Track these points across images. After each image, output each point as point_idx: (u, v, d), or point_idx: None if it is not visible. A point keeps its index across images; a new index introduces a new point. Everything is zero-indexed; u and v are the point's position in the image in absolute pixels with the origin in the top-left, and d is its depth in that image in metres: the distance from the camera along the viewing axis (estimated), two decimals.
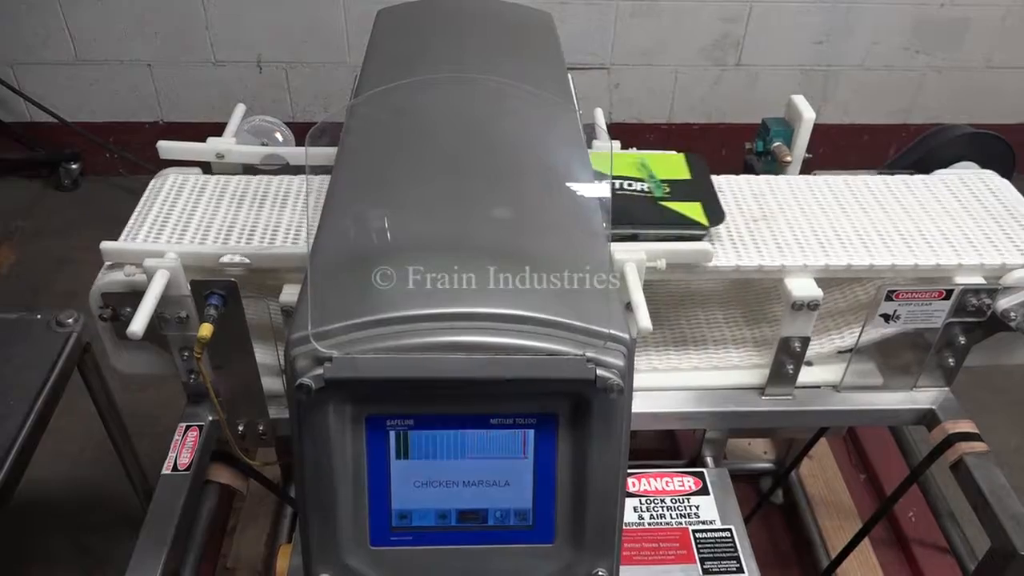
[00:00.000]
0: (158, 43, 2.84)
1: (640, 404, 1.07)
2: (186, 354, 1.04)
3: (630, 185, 1.12)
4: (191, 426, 1.08)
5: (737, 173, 1.26)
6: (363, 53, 1.18)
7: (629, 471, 0.90)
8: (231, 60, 2.89)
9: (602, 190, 0.92)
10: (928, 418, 1.16)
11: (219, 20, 2.80)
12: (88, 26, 2.80)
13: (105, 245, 1.01)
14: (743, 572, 1.04)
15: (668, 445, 1.76)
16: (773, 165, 1.37)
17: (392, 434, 0.73)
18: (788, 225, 1.13)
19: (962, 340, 1.11)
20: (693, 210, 1.08)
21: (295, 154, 1.24)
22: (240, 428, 1.09)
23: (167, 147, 1.23)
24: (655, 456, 1.72)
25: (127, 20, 2.79)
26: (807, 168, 1.37)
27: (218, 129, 1.27)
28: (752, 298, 1.28)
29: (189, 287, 0.96)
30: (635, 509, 1.10)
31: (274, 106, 2.91)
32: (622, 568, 0.81)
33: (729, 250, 1.08)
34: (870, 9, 2.85)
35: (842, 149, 3.05)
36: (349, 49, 2.85)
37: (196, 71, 2.90)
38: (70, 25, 2.80)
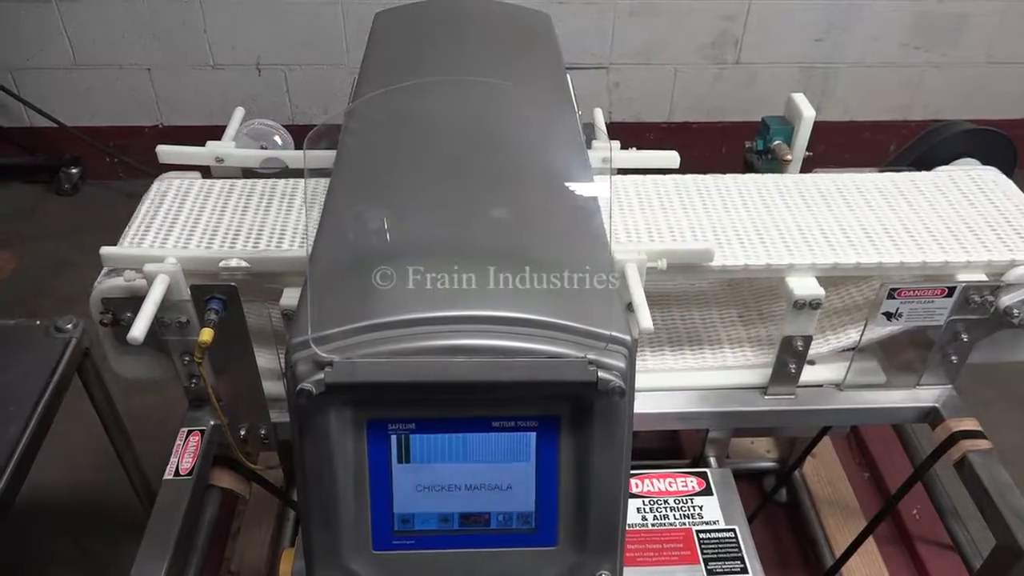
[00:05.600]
0: (156, 47, 2.84)
1: (642, 404, 1.07)
2: (187, 359, 1.04)
3: None
4: (193, 431, 1.08)
5: (738, 172, 1.25)
6: (362, 55, 1.18)
7: (632, 472, 0.90)
8: (230, 63, 2.88)
9: (601, 190, 0.92)
10: (932, 416, 1.16)
11: (217, 23, 2.80)
12: (86, 31, 2.80)
13: (105, 251, 1.01)
14: (747, 572, 1.04)
15: (671, 445, 1.76)
16: (774, 164, 1.36)
17: (393, 438, 0.72)
18: (790, 224, 1.13)
19: (965, 337, 1.11)
20: None
21: (294, 157, 1.24)
22: (242, 432, 1.09)
23: (166, 151, 1.23)
24: (658, 456, 1.71)
25: (125, 24, 2.79)
26: (807, 166, 1.37)
27: (217, 132, 1.27)
28: (753, 297, 1.28)
29: (189, 292, 0.96)
30: (638, 510, 1.10)
31: (273, 109, 2.91)
32: (626, 569, 0.80)
33: (733, 249, 1.08)
34: (869, 5, 2.84)
35: (842, 147, 3.05)
36: (348, 51, 2.85)
37: (195, 75, 2.90)
38: (68, 30, 2.80)
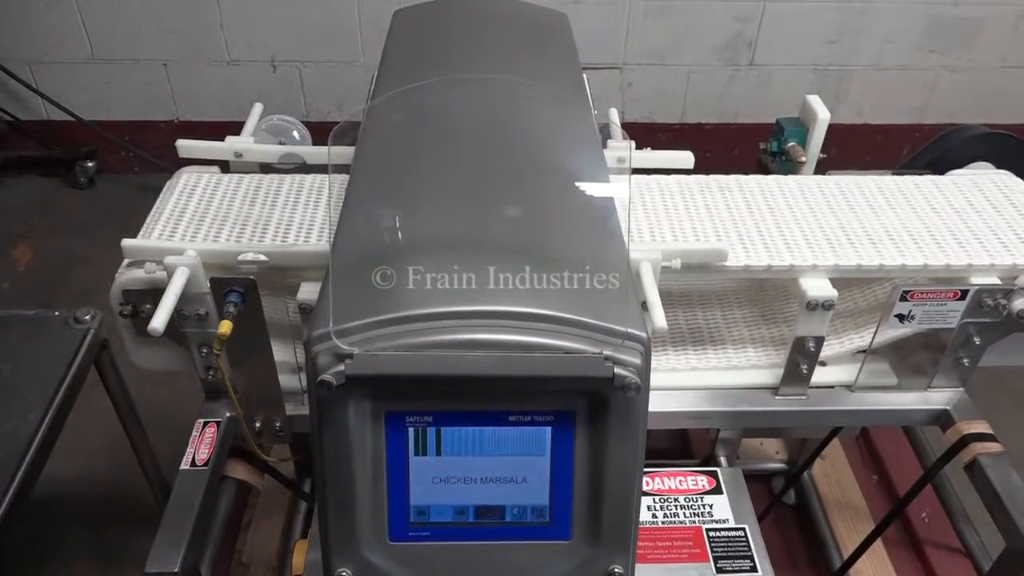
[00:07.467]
0: (173, 42, 2.86)
1: (654, 403, 1.07)
2: (205, 351, 1.05)
3: None
4: (209, 422, 1.09)
5: (751, 173, 1.26)
6: (377, 52, 1.19)
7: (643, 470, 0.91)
8: (245, 59, 2.90)
9: (618, 189, 0.92)
10: (942, 419, 1.16)
11: (233, 19, 2.82)
12: (104, 25, 2.82)
13: (126, 243, 1.02)
14: (756, 571, 1.05)
15: (681, 444, 1.77)
16: (788, 165, 1.37)
17: (411, 431, 0.73)
18: (802, 226, 1.13)
19: (977, 340, 1.11)
20: None
21: (312, 153, 1.25)
22: (257, 424, 1.10)
23: (186, 146, 1.24)
24: (668, 455, 1.72)
25: (143, 19, 2.81)
26: (821, 168, 1.37)
27: (232, 128, 1.28)
28: (765, 298, 1.28)
29: (208, 284, 0.97)
30: (649, 508, 1.11)
31: (288, 105, 2.92)
32: (637, 566, 0.81)
33: (741, 251, 1.08)
34: (883, 8, 2.84)
35: (856, 149, 3.04)
36: (363, 48, 2.86)
37: (211, 70, 2.92)
38: (86, 24, 2.82)
